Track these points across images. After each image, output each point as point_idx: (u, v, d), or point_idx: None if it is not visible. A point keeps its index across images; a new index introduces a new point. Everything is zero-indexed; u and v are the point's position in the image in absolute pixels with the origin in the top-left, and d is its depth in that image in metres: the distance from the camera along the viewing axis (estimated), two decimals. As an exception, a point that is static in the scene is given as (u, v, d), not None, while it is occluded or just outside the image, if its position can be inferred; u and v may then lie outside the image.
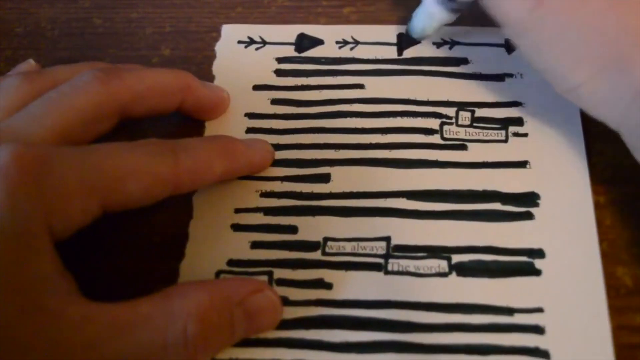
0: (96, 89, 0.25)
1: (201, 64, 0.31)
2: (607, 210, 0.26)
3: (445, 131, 0.29)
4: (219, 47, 0.31)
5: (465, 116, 0.29)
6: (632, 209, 0.26)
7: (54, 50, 0.32)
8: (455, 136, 0.28)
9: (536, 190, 0.27)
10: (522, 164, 0.27)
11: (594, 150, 0.28)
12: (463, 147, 0.28)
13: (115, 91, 0.25)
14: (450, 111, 0.29)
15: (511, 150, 0.28)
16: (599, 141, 0.28)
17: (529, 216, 0.26)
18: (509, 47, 0.31)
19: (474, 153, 0.28)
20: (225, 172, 0.26)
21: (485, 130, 0.28)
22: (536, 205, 0.26)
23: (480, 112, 0.29)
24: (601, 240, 0.26)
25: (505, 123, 0.29)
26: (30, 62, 0.29)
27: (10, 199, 0.20)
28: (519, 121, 0.29)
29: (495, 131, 0.28)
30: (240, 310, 0.23)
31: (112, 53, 0.32)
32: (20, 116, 0.24)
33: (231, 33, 0.32)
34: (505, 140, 0.28)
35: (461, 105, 0.29)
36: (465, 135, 0.28)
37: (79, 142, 0.25)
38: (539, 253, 0.25)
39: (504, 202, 0.27)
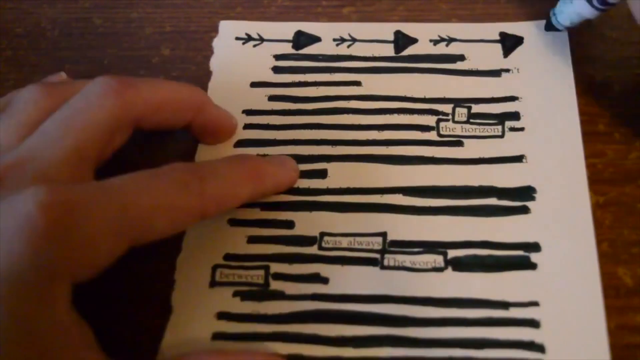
0: (110, 100, 0.24)
1: (201, 64, 0.31)
2: (607, 210, 0.26)
3: (442, 128, 0.29)
4: (216, 43, 0.32)
5: (461, 112, 0.29)
6: (632, 209, 0.26)
7: (54, 50, 0.32)
8: (451, 133, 0.29)
9: (532, 184, 0.27)
10: (519, 159, 0.28)
11: (594, 150, 0.28)
12: (459, 144, 0.28)
13: (130, 101, 0.25)
14: (447, 108, 0.29)
15: (507, 145, 0.28)
16: (599, 142, 0.28)
17: (525, 210, 0.26)
18: (505, 47, 0.31)
19: (470, 149, 0.28)
20: (252, 196, 0.25)
21: (481, 127, 0.29)
22: (532, 199, 0.27)
23: (476, 108, 0.29)
24: (601, 240, 0.25)
25: (501, 118, 0.29)
26: (62, 75, 0.29)
27: (34, 248, 0.20)
28: (515, 115, 0.29)
29: (492, 127, 0.29)
30: None
31: (112, 53, 0.32)
32: (37, 138, 0.23)
33: (229, 29, 0.32)
34: (502, 136, 0.28)
35: (458, 102, 0.29)
36: (462, 131, 0.29)
37: (98, 159, 0.24)
38: (535, 247, 0.25)
39: (500, 197, 0.27)
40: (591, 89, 0.29)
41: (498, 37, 0.31)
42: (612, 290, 0.25)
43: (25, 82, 0.30)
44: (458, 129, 0.29)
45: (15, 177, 0.22)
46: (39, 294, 0.20)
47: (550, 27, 0.30)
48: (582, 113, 0.28)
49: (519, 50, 0.31)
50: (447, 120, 0.29)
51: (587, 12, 0.28)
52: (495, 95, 0.29)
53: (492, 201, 0.27)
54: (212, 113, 0.28)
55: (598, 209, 0.26)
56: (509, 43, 0.31)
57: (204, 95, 0.28)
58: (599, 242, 0.25)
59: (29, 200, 0.20)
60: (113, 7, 0.33)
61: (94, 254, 0.21)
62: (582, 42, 0.31)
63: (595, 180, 0.27)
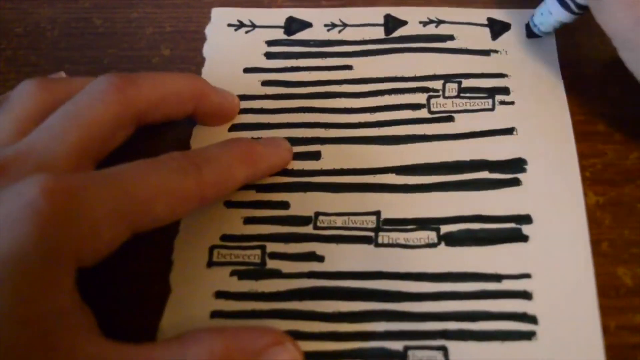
0: (113, 97, 0.24)
1: (201, 64, 0.31)
2: (607, 210, 0.26)
3: (433, 104, 0.29)
4: (209, 30, 0.32)
5: (452, 87, 0.29)
6: (632, 209, 0.26)
7: (54, 50, 0.32)
8: (442, 108, 0.29)
9: (523, 156, 0.27)
10: (509, 131, 0.28)
11: (594, 150, 0.28)
12: (450, 119, 0.29)
13: (132, 98, 0.25)
14: (437, 84, 0.30)
15: (498, 118, 0.28)
16: (599, 142, 0.28)
17: (516, 182, 0.27)
18: (493, 31, 0.31)
19: (461, 124, 0.28)
20: (247, 178, 0.26)
21: (472, 100, 0.29)
22: (523, 170, 0.27)
23: (467, 83, 0.29)
24: (601, 240, 0.26)
25: (491, 92, 0.29)
26: (62, 74, 0.29)
27: (38, 233, 0.20)
28: (505, 90, 0.29)
29: (482, 100, 0.29)
30: None
31: (112, 53, 0.32)
32: (40, 133, 0.24)
33: (221, 16, 0.32)
34: (492, 109, 0.29)
35: (448, 78, 0.30)
36: (453, 106, 0.29)
37: (100, 154, 0.25)
38: (527, 219, 0.26)
39: (492, 170, 0.27)
40: (591, 89, 0.29)
41: (486, 22, 0.31)
42: (612, 290, 0.25)
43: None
44: (449, 104, 0.29)
45: (17, 169, 0.22)
46: (43, 277, 0.20)
47: (531, 34, 0.31)
48: (582, 113, 0.29)
49: (506, 34, 0.31)
50: (438, 96, 0.29)
51: (567, 18, 0.28)
52: (485, 71, 0.30)
53: (484, 175, 0.27)
54: (213, 100, 0.28)
55: (598, 209, 0.26)
56: (497, 28, 0.31)
57: (204, 82, 0.28)
58: (599, 242, 0.26)
59: (32, 186, 0.21)
60: (113, 7, 0.33)
61: (98, 239, 0.21)
62: (581, 42, 0.31)
63: (595, 180, 0.27)
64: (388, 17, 0.32)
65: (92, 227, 0.21)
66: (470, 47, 0.31)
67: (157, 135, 0.29)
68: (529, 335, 0.24)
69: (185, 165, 0.23)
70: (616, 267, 0.25)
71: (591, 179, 0.27)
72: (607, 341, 0.23)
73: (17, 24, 0.33)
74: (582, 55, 0.30)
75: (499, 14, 0.32)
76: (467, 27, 0.31)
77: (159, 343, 0.22)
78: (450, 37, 0.31)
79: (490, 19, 0.31)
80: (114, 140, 0.25)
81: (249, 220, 0.27)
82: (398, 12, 0.32)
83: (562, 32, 0.31)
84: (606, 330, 0.24)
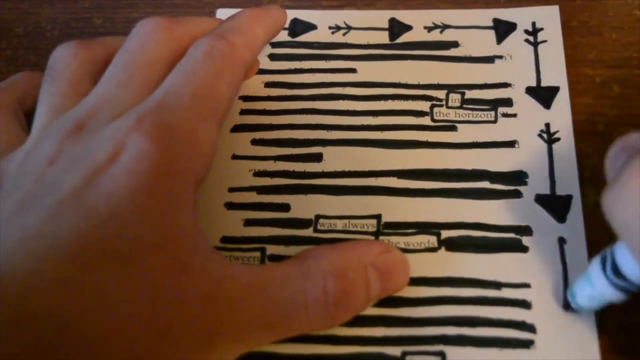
0: (163, 36, 0.25)
1: None
2: None
3: (436, 113, 0.29)
4: (213, 31, 0.32)
5: (455, 98, 0.29)
6: None
7: (54, 50, 0.32)
8: (445, 118, 0.29)
9: (524, 169, 0.27)
10: (511, 144, 0.28)
11: (594, 150, 0.28)
12: (453, 128, 0.29)
13: (178, 36, 0.26)
14: (441, 94, 0.30)
15: (500, 131, 0.28)
16: (599, 141, 0.28)
17: (517, 194, 0.27)
18: (498, 33, 0.31)
19: (464, 134, 0.28)
20: (265, 33, 0.27)
21: (474, 112, 0.29)
22: (524, 183, 0.27)
23: (470, 94, 0.29)
24: (601, 240, 0.25)
25: (494, 104, 0.29)
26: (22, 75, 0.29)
27: (155, 154, 0.21)
28: (508, 102, 0.29)
29: (485, 112, 0.29)
30: (373, 269, 0.23)
31: None
32: (105, 86, 0.24)
33: (225, 17, 0.32)
34: (495, 121, 0.29)
35: (451, 88, 0.30)
36: (455, 116, 0.29)
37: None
38: (526, 230, 0.26)
39: (493, 181, 0.27)
40: (591, 89, 0.29)
41: (491, 24, 0.31)
42: None
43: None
44: (452, 114, 0.29)
45: (96, 122, 0.23)
46: (169, 198, 0.21)
47: (568, 307, 0.24)
48: (582, 113, 0.29)
49: (512, 36, 0.31)
50: (441, 105, 0.29)
51: (608, 292, 0.22)
52: (488, 82, 0.30)
53: (485, 184, 0.27)
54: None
55: (598, 209, 0.26)
56: (502, 29, 0.31)
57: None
58: (598, 243, 0.25)
59: (128, 120, 0.22)
60: (113, 7, 0.33)
61: (200, 145, 0.23)
62: (581, 42, 0.31)
63: (595, 180, 0.27)
64: (393, 22, 0.32)
65: (191, 135, 0.22)
66: (474, 54, 0.31)
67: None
68: (527, 344, 0.24)
69: (213, 42, 0.25)
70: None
71: (591, 179, 0.27)
72: (606, 341, 0.24)
73: (17, 24, 0.33)
74: (582, 56, 0.30)
75: (505, 14, 0.32)
76: (472, 32, 0.31)
77: (282, 263, 0.23)
78: (455, 44, 0.31)
79: (495, 20, 0.31)
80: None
81: (249, 222, 0.27)
82: (403, 16, 0.32)
83: (562, 33, 0.31)
84: (605, 331, 0.24)
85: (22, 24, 0.33)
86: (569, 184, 0.27)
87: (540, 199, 0.26)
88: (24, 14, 0.33)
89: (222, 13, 0.33)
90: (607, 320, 0.24)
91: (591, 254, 0.25)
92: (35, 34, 0.33)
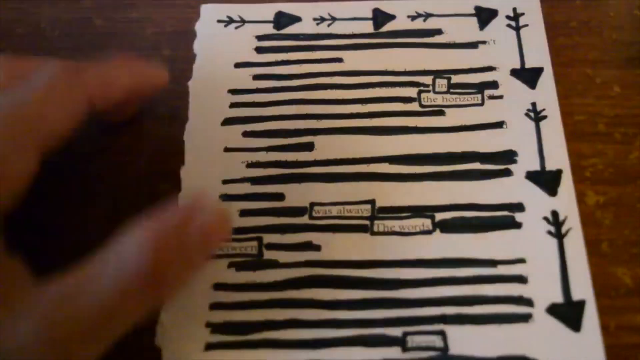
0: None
1: None
2: (607, 210, 0.27)
3: (423, 98, 0.29)
4: (198, 26, 0.32)
5: (441, 83, 0.30)
6: (632, 209, 0.27)
7: (54, 50, 0.32)
8: (433, 103, 0.29)
9: (513, 148, 0.28)
10: (499, 125, 0.28)
11: (594, 150, 0.28)
12: (441, 113, 0.29)
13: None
14: (427, 79, 0.30)
15: (488, 113, 0.29)
16: (599, 141, 0.28)
17: (507, 173, 0.27)
18: (481, 20, 0.32)
19: (452, 117, 0.29)
20: (130, 82, 0.26)
21: (461, 96, 0.29)
22: (514, 162, 0.27)
23: (456, 79, 0.30)
24: (601, 240, 0.26)
25: (480, 87, 0.29)
26: None
27: None
28: (493, 85, 0.29)
29: (472, 95, 0.29)
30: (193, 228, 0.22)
31: (112, 53, 0.32)
32: None
33: (210, 12, 0.32)
34: (482, 104, 0.29)
35: (437, 73, 0.30)
36: (443, 101, 0.29)
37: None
38: (519, 207, 0.26)
39: (483, 162, 0.28)
40: (591, 89, 0.30)
41: (473, 11, 0.32)
42: (612, 290, 0.25)
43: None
44: (439, 99, 0.29)
45: None
46: None
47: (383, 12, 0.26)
48: (582, 113, 0.29)
49: (494, 22, 0.31)
50: (428, 91, 0.30)
51: None
52: (474, 66, 0.30)
53: (476, 166, 0.27)
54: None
55: (598, 208, 0.27)
56: (484, 16, 0.32)
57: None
58: (599, 242, 0.26)
59: None
60: (113, 7, 0.33)
61: (7, 173, 0.21)
62: (581, 42, 0.31)
63: (595, 180, 0.27)
64: (377, 12, 0.32)
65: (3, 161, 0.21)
66: (458, 40, 0.31)
67: (146, 132, 0.29)
68: (525, 318, 0.24)
69: (66, 74, 0.24)
70: (616, 267, 0.26)
71: (591, 179, 0.27)
72: (607, 341, 0.24)
73: (18, 24, 0.33)
74: (582, 56, 0.31)
75: (486, 2, 0.32)
76: (455, 19, 0.32)
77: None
78: (439, 32, 0.31)
79: (477, 7, 0.32)
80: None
81: (245, 213, 0.27)
82: (386, 6, 0.32)
83: (562, 33, 0.31)
84: (606, 331, 0.24)
85: (22, 24, 0.33)
86: (558, 158, 0.27)
87: (531, 176, 0.27)
88: (24, 14, 0.33)
89: (207, 9, 0.33)
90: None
91: (584, 223, 0.26)
92: (35, 34, 0.32)
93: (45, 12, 0.33)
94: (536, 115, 0.28)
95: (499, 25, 0.31)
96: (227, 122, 0.29)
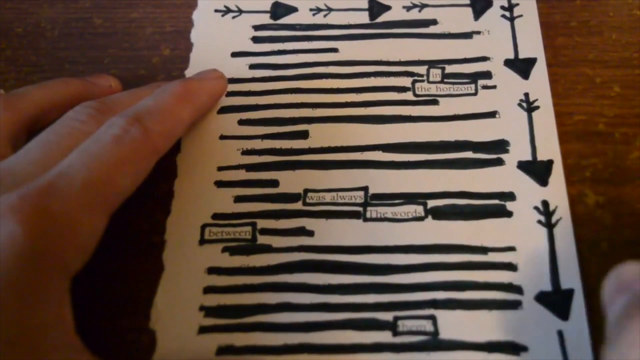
0: (90, 125, 0.24)
1: None
2: (607, 210, 0.27)
3: (417, 88, 0.30)
4: (196, 16, 0.32)
5: (436, 73, 0.30)
6: (632, 209, 0.27)
7: (54, 50, 0.32)
8: (427, 92, 0.30)
9: (505, 138, 0.28)
10: (492, 114, 0.29)
11: (594, 150, 0.28)
12: (435, 102, 0.29)
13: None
14: (422, 69, 0.30)
15: (481, 102, 0.29)
16: (599, 141, 0.28)
17: (499, 162, 0.27)
18: (475, 10, 0.32)
19: (446, 107, 0.29)
20: (192, 115, 0.27)
21: (455, 85, 0.30)
22: (506, 151, 0.28)
23: (450, 69, 0.30)
24: (601, 240, 0.26)
25: (474, 77, 0.30)
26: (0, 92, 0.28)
27: (18, 251, 0.19)
28: (487, 75, 0.30)
29: (465, 85, 0.30)
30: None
31: (112, 53, 0.32)
32: (21, 156, 0.23)
33: (208, 2, 0.33)
34: (475, 94, 0.29)
35: (432, 63, 0.30)
36: (437, 91, 0.30)
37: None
38: (510, 196, 0.27)
39: (475, 150, 0.28)
40: (591, 89, 0.30)
41: (468, 2, 0.32)
42: None
43: (24, 82, 0.30)
44: (433, 89, 0.30)
45: None
46: (31, 290, 0.20)
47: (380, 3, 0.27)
48: (582, 113, 0.29)
49: (488, 13, 0.32)
50: (422, 80, 0.30)
51: None
52: (468, 56, 0.30)
53: (468, 154, 0.28)
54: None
55: (598, 208, 0.27)
56: (479, 6, 0.32)
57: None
58: (599, 242, 0.26)
59: (11, 196, 0.20)
60: (113, 7, 0.33)
61: (80, 235, 0.21)
62: (581, 42, 0.31)
63: (595, 180, 0.27)
64: (372, 2, 0.32)
65: (72, 225, 0.21)
66: (453, 30, 0.31)
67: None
68: (514, 305, 0.24)
69: (128, 126, 0.23)
70: (616, 267, 0.26)
71: (591, 179, 0.27)
72: (595, 332, 0.24)
73: (17, 24, 0.33)
74: (582, 56, 0.31)
75: None
76: (450, 9, 0.32)
77: None
78: (433, 22, 0.32)
79: None
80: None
81: (239, 199, 0.27)
82: (382, -3, 0.33)
83: (561, 32, 0.31)
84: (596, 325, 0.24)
85: (22, 24, 0.33)
86: (549, 149, 0.27)
87: (522, 165, 0.27)
88: (24, 13, 0.33)
89: (204, 5, 0.33)
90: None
91: (574, 213, 0.26)
92: (35, 34, 0.33)
93: (44, 12, 0.33)
94: (529, 106, 0.29)
95: (493, 15, 0.32)
96: (223, 110, 0.29)
